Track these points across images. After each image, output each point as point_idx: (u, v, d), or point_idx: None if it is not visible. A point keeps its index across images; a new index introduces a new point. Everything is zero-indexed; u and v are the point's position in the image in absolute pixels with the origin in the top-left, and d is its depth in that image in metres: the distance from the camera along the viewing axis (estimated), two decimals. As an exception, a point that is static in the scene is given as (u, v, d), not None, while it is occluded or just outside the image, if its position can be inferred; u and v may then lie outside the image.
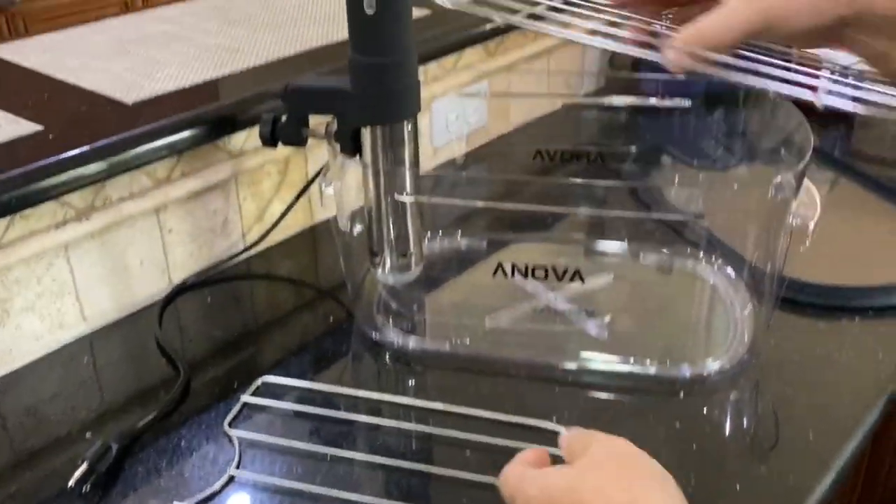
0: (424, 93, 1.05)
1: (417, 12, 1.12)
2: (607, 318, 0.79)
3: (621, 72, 1.42)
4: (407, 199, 0.74)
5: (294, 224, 0.97)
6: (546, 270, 0.69)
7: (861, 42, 0.47)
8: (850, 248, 0.90)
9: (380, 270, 0.80)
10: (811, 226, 0.70)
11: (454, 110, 1.06)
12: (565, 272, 0.69)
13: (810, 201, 0.70)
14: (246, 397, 0.71)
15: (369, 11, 0.70)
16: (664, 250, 0.87)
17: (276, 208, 0.94)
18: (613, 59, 1.39)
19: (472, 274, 0.86)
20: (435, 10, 1.16)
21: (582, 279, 0.69)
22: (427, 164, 1.07)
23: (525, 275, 0.69)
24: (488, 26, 1.11)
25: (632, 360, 0.74)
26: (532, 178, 0.90)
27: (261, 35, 1.06)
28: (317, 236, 0.99)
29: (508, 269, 0.69)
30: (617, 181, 1.00)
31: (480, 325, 0.79)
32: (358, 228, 0.78)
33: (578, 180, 0.71)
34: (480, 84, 1.13)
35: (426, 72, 1.05)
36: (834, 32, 0.48)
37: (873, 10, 0.46)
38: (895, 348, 0.76)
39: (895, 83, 0.50)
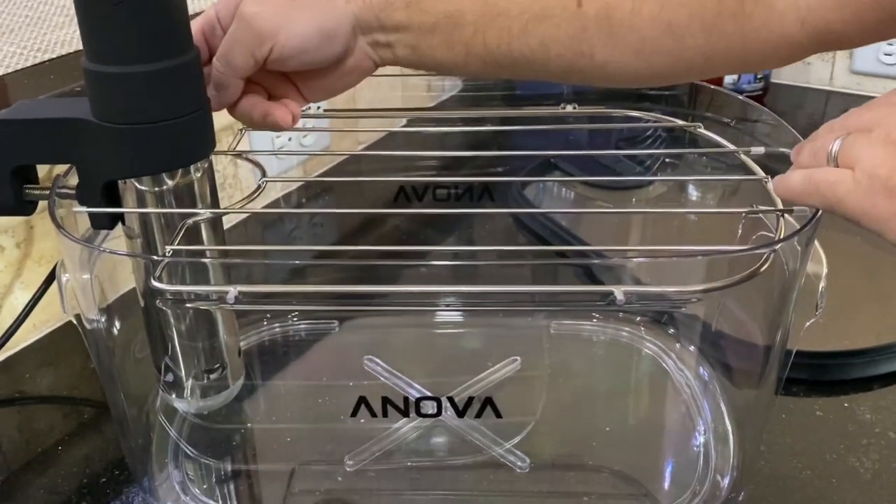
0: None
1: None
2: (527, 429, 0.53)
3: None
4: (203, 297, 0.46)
5: (55, 314, 0.66)
6: (438, 400, 0.42)
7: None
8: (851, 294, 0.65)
9: (173, 394, 0.52)
10: (821, 288, 0.47)
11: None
12: (469, 402, 0.42)
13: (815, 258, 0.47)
14: None
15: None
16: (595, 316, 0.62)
17: (20, 298, 0.63)
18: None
19: (318, 381, 0.58)
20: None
21: (496, 410, 0.42)
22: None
23: (404, 411, 0.42)
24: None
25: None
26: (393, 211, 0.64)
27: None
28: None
29: (378, 407, 0.42)
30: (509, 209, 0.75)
31: (339, 470, 0.51)
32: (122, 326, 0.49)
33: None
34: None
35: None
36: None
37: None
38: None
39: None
